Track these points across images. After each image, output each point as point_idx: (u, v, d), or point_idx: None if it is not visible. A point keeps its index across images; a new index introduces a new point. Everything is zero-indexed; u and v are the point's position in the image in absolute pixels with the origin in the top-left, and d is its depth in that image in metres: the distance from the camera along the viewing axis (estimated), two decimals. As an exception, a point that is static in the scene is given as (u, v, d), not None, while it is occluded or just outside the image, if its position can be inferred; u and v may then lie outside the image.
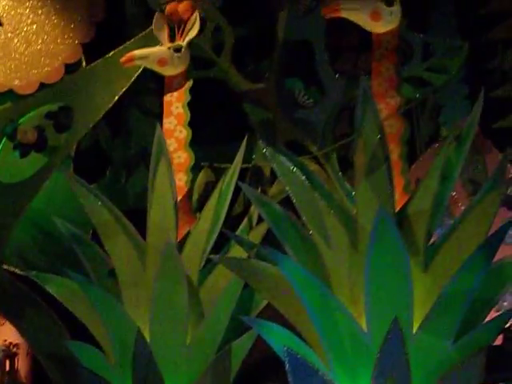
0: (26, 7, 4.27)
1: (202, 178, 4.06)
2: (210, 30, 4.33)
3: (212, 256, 3.40)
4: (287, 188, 3.24)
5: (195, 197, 3.85)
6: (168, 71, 3.73)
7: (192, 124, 3.77)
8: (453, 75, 4.41)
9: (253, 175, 4.10)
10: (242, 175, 3.82)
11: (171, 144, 3.68)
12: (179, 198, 3.63)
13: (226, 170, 3.70)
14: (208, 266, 3.57)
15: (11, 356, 4.47)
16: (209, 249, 3.55)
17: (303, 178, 3.24)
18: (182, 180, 3.67)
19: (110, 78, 4.14)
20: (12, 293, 4.03)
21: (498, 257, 3.10)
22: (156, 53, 3.71)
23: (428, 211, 3.15)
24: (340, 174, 3.72)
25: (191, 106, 3.78)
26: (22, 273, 4.03)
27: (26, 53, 4.23)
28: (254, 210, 3.64)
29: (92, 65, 4.23)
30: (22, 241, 4.16)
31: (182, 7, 3.78)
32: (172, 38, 3.77)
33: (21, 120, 4.17)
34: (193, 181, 3.80)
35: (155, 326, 3.42)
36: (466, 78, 4.47)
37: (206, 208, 3.61)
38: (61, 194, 4.19)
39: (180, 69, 3.73)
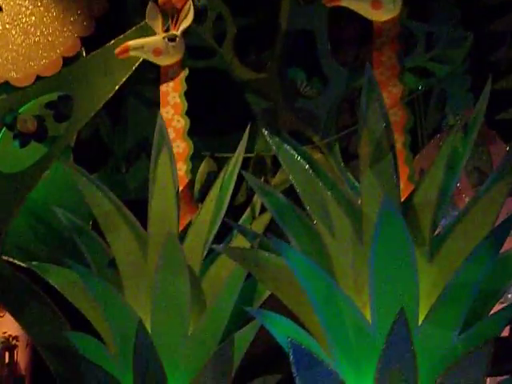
0: (26, -2, 4.24)
1: (203, 167, 4.05)
2: (211, 20, 4.31)
3: (215, 246, 3.37)
4: (291, 177, 3.21)
5: (197, 187, 3.83)
6: (163, 61, 3.71)
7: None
8: (457, 66, 4.39)
9: (256, 165, 4.08)
10: (245, 165, 3.79)
11: (169, 134, 3.65)
12: (180, 188, 3.59)
13: (228, 160, 3.67)
14: (210, 257, 3.54)
15: (11, 348, 4.47)
16: (211, 239, 3.52)
17: (307, 167, 3.21)
18: (181, 170, 3.64)
19: (110, 67, 4.11)
20: (12, 284, 4.01)
21: (505, 247, 3.06)
22: (150, 43, 3.69)
23: (434, 201, 3.12)
24: (342, 164, 3.69)
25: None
26: (21, 263, 4.00)
27: (24, 44, 4.20)
28: (257, 200, 3.62)
29: (92, 54, 4.20)
30: (21, 231, 4.15)
31: (174, -4, 3.75)
32: (166, 28, 3.73)
33: (21, 109, 4.15)
34: (194, 170, 3.77)
35: (156, 317, 3.40)
36: (470, 70, 4.45)
37: (208, 198, 3.58)
38: (61, 184, 4.17)
39: (175, 58, 3.71)
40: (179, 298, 3.37)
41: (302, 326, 3.11)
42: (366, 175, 3.14)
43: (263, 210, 3.57)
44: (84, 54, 4.26)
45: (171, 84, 3.70)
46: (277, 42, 4.37)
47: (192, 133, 3.72)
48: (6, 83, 4.21)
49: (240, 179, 3.63)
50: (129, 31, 4.09)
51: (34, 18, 4.22)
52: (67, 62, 4.23)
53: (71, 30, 4.23)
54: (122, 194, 3.81)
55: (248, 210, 3.67)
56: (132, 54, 3.71)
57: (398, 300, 2.97)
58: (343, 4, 3.20)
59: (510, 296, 3.78)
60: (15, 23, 4.22)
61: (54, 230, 4.02)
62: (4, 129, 4.16)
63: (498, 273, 3.07)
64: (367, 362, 2.99)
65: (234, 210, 3.72)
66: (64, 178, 4.01)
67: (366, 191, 3.14)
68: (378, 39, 3.27)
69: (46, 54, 4.20)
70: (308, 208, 3.18)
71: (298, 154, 3.23)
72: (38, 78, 4.20)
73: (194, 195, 3.72)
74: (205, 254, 3.53)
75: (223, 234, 3.58)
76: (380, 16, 3.25)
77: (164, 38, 3.69)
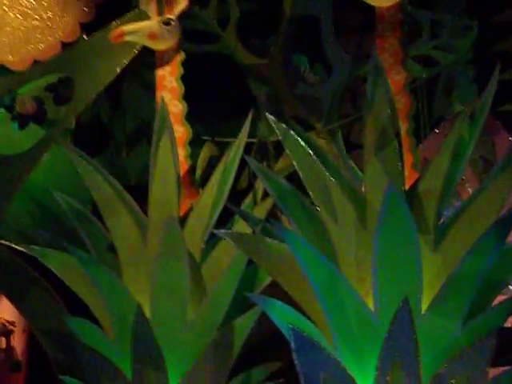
0: (25, -19, 4.19)
1: (205, 152, 4.01)
2: (214, 4, 4.28)
3: (216, 231, 3.33)
4: (294, 162, 3.17)
5: (198, 172, 3.80)
6: (159, 45, 3.67)
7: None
8: (461, 55, 4.37)
9: (258, 150, 4.06)
10: (246, 151, 3.75)
11: None
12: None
13: (230, 144, 3.63)
14: (211, 242, 3.51)
15: (7, 333, 4.45)
16: (212, 224, 3.49)
17: (311, 152, 3.17)
18: (180, 154, 3.60)
19: (111, 49, 4.06)
20: (10, 268, 3.97)
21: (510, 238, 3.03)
22: (145, 27, 3.64)
23: (439, 190, 3.09)
24: (345, 151, 3.66)
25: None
26: (20, 248, 3.96)
27: (22, 28, 4.15)
28: (259, 185, 3.59)
29: (93, 36, 4.15)
30: (19, 215, 4.11)
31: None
32: (160, 12, 3.69)
33: (20, 91, 4.10)
34: (195, 155, 3.73)
35: (156, 302, 3.37)
36: (474, 60, 4.44)
37: (209, 182, 3.55)
38: (60, 168, 4.13)
39: (171, 42, 3.66)
40: (179, 284, 3.35)
41: (304, 313, 3.08)
42: (370, 162, 3.11)
43: (265, 196, 3.54)
44: (84, 41, 4.22)
45: (168, 68, 3.67)
46: (280, 28, 4.33)
47: (193, 118, 3.69)
48: (4, 66, 4.17)
49: (242, 164, 3.60)
50: (131, 13, 4.04)
51: (33, 1, 4.17)
52: (66, 47, 4.19)
53: (71, 15, 4.18)
54: (123, 179, 3.78)
55: (250, 195, 3.63)
56: (127, 38, 3.67)
57: (401, 288, 2.94)
58: None
59: (511, 288, 3.75)
60: (13, 6, 4.17)
61: (53, 214, 3.98)
62: (2, 110, 4.11)
63: (502, 263, 3.04)
64: (369, 351, 2.96)
65: (236, 196, 3.69)
66: (63, 162, 3.97)
67: (370, 178, 3.11)
68: (381, 25, 3.25)
69: (44, 39, 4.15)
70: (311, 194, 3.15)
71: (302, 140, 3.19)
72: (36, 62, 4.16)
73: (196, 180, 3.69)
74: (206, 239, 3.50)
75: (225, 219, 3.55)
76: (383, 2, 3.20)
77: (159, 21, 3.65)
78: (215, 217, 3.50)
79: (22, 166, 4.04)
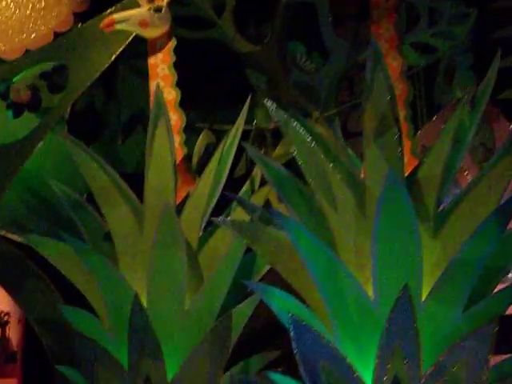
0: (18, -31, 4.15)
1: (202, 139, 3.99)
2: (210, -10, 4.25)
3: (213, 218, 3.29)
4: (293, 149, 3.14)
5: (195, 159, 3.77)
6: (150, 33, 3.66)
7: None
8: (459, 43, 4.35)
9: (256, 137, 4.03)
10: (243, 139, 3.72)
11: None
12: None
13: (227, 132, 3.60)
14: (208, 230, 3.49)
15: (2, 324, 4.43)
16: (209, 212, 3.47)
17: (309, 139, 3.14)
18: (175, 142, 3.57)
19: (106, 37, 4.02)
20: (5, 258, 3.93)
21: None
22: (136, 15, 3.62)
23: (439, 176, 3.08)
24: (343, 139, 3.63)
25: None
26: (15, 237, 3.93)
27: (14, 17, 4.11)
28: (257, 173, 3.56)
29: (87, 24, 4.11)
30: (14, 204, 4.07)
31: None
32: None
33: (14, 79, 4.07)
34: (192, 143, 3.71)
35: (152, 291, 3.33)
36: (472, 47, 4.41)
37: (206, 170, 3.52)
38: (55, 156, 4.10)
39: (162, 29, 3.65)
40: (176, 272, 3.31)
41: (303, 301, 3.05)
42: (369, 148, 3.09)
43: (263, 183, 3.51)
44: (77, 31, 4.19)
45: (160, 56, 3.66)
46: (277, 15, 4.30)
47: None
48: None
49: (239, 152, 3.56)
50: (123, 1, 4.00)
51: (26, -10, 4.14)
52: (60, 35, 4.16)
53: (64, 4, 4.15)
54: (118, 167, 3.74)
55: (247, 182, 3.61)
56: (118, 27, 3.64)
57: (401, 276, 2.92)
58: None
59: (510, 275, 3.72)
60: (7, -5, 4.14)
61: (49, 203, 3.94)
62: (-3, 99, 4.08)
63: (503, 250, 3.01)
64: (369, 339, 2.93)
65: (233, 183, 3.66)
66: (59, 150, 3.94)
67: (370, 164, 3.09)
68: (376, 11, 3.23)
69: (36, 28, 4.12)
70: (310, 181, 3.12)
71: (301, 126, 3.15)
72: (29, 51, 4.12)
73: (192, 168, 3.66)
74: (203, 227, 3.47)
75: (222, 207, 3.52)
76: None
77: (149, 9, 3.62)
78: (212, 204, 3.48)
79: (17, 155, 4.00)
